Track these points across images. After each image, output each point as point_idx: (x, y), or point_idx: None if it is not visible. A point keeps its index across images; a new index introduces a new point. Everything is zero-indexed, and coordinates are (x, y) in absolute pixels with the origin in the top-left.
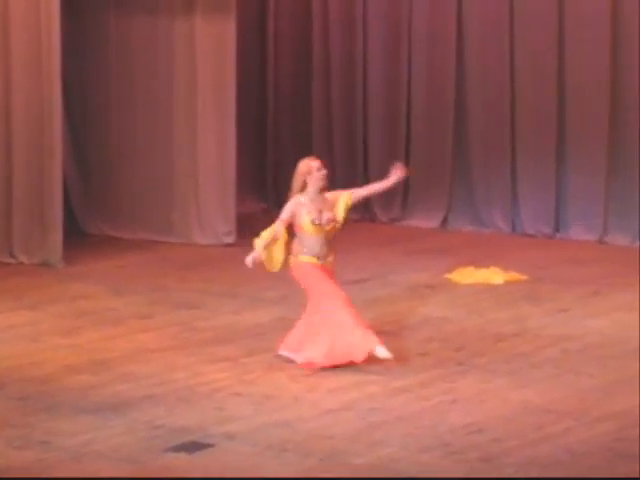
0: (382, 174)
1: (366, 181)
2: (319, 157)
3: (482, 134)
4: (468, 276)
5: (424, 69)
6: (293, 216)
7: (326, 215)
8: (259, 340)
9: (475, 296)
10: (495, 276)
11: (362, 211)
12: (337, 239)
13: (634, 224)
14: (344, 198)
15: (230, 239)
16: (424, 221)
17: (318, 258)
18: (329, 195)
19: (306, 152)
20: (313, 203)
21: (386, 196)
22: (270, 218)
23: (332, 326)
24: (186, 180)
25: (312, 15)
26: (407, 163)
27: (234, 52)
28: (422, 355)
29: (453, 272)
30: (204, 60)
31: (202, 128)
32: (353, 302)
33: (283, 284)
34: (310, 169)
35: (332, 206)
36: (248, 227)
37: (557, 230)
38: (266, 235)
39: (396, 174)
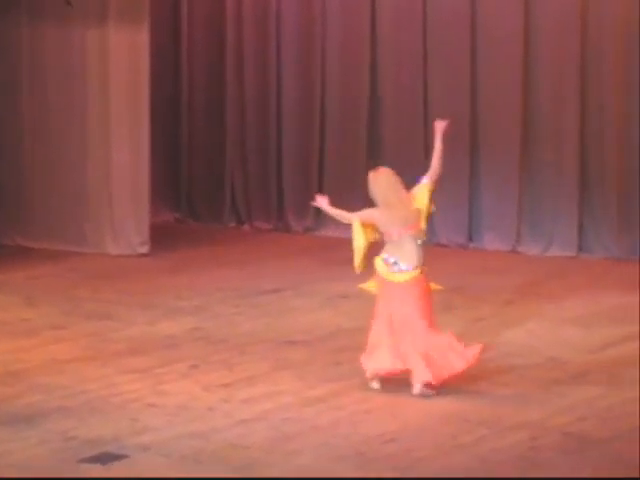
0: (296, 185)
1: (280, 192)
2: (232, 168)
3: (396, 145)
4: None
5: (338, 79)
6: None
7: None
8: (173, 351)
9: None
10: None
11: (276, 221)
12: (250, 250)
13: (546, 233)
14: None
15: (144, 249)
16: (338, 231)
17: None
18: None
19: (219, 163)
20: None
21: (300, 206)
22: (184, 228)
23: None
24: (100, 190)
25: (226, 23)
26: (320, 174)
27: (147, 62)
28: (336, 365)
29: (367, 282)
30: (117, 69)
31: (115, 138)
32: (268, 312)
33: (197, 295)
34: None
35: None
36: (162, 237)
37: (470, 240)
38: None
39: (440, 129)
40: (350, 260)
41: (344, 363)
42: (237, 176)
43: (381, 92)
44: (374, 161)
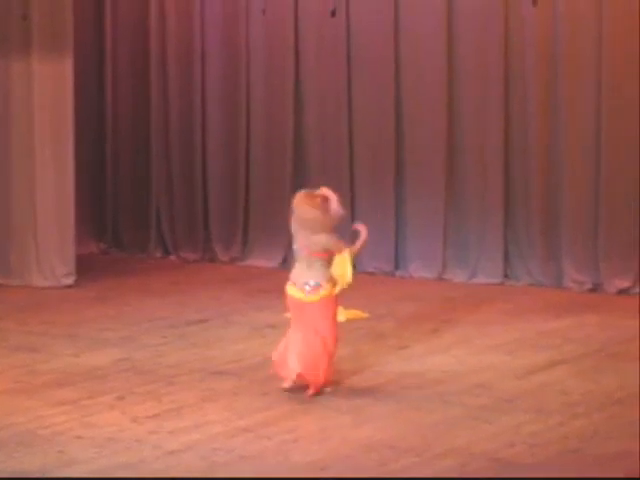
0: (222, 215)
1: (206, 222)
2: (158, 198)
3: (321, 174)
4: None
5: (262, 110)
6: None
7: None
8: (100, 382)
9: None
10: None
11: (202, 251)
12: (177, 280)
13: (471, 261)
14: None
15: (69, 280)
16: (265, 261)
17: None
18: None
19: (145, 193)
20: None
21: (226, 236)
22: (109, 259)
23: None
24: (24, 222)
25: (150, 56)
26: (246, 203)
27: (72, 93)
28: (264, 394)
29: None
30: (41, 101)
31: (40, 169)
32: (196, 343)
33: (123, 325)
34: None
35: None
36: (87, 268)
37: (397, 268)
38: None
39: (363, 237)
40: (277, 290)
41: (272, 393)
42: (163, 206)
43: (305, 121)
44: (300, 189)
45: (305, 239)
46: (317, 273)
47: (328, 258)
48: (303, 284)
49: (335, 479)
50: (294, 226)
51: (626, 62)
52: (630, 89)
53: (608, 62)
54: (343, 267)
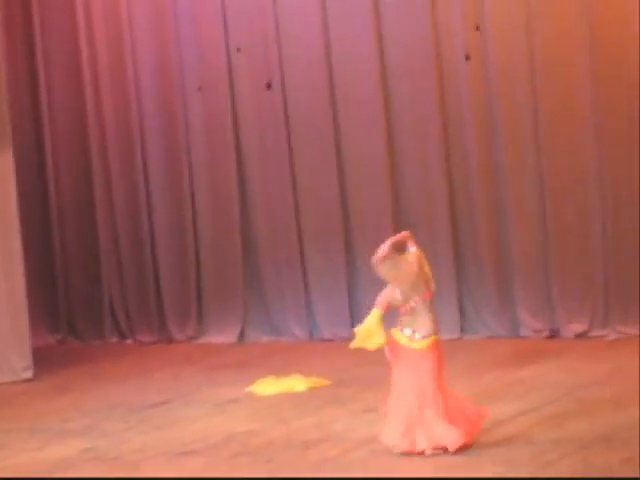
0: (175, 294)
1: (159, 303)
2: (109, 283)
3: (271, 245)
4: (270, 387)
5: (207, 186)
6: None
7: None
8: (65, 474)
9: (279, 406)
10: (297, 384)
11: (158, 332)
12: (135, 363)
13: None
14: None
15: (28, 374)
16: (221, 336)
17: None
18: None
19: (96, 280)
20: None
21: (181, 315)
22: (66, 348)
23: None
24: None
25: (89, 140)
26: (198, 281)
27: (14, 186)
28: (232, 471)
29: (254, 384)
30: None
31: None
32: (159, 425)
33: (85, 414)
34: None
35: None
36: (44, 360)
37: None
38: None
39: None
40: (235, 364)
41: (240, 469)
42: (115, 292)
43: (251, 199)
44: (250, 268)
45: None
46: None
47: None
48: None
49: (336, 479)
50: None
51: (563, 110)
52: (567, 135)
53: (544, 111)
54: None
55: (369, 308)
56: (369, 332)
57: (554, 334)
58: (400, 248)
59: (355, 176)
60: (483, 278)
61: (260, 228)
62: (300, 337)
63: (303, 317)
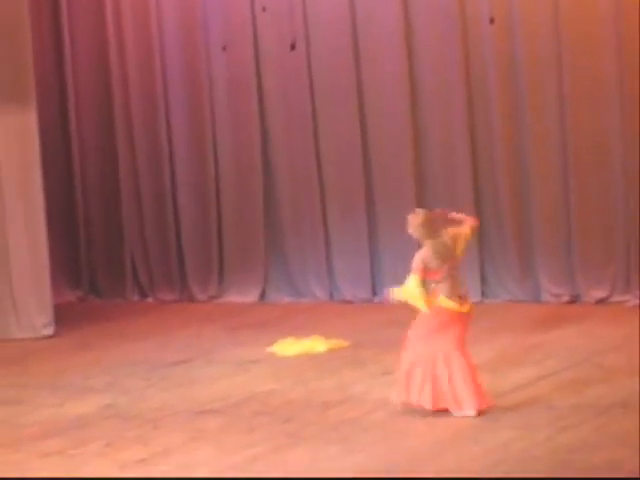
0: (196, 254)
1: (181, 262)
2: (131, 242)
3: (293, 205)
4: (290, 347)
5: (230, 149)
6: None
7: None
8: (86, 430)
9: (299, 367)
10: (317, 345)
11: (179, 291)
12: (156, 322)
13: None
14: None
15: (49, 331)
16: (242, 296)
17: None
18: None
19: (118, 238)
20: None
21: (202, 274)
22: (87, 306)
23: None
24: (0, 275)
25: (113, 101)
26: (220, 241)
27: (38, 145)
28: (250, 430)
29: (275, 345)
30: (7, 151)
31: (11, 220)
32: (180, 383)
33: (106, 372)
34: None
35: None
36: (65, 317)
37: (374, 294)
38: None
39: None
40: (256, 325)
41: (259, 428)
42: (137, 250)
43: (273, 158)
44: (271, 228)
45: None
46: None
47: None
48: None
49: (344, 479)
50: None
51: (587, 72)
52: (591, 100)
53: (568, 74)
54: None
55: (391, 269)
56: (411, 297)
57: (574, 300)
58: (444, 224)
59: (378, 137)
60: (505, 244)
61: (282, 189)
62: (321, 298)
63: (324, 278)
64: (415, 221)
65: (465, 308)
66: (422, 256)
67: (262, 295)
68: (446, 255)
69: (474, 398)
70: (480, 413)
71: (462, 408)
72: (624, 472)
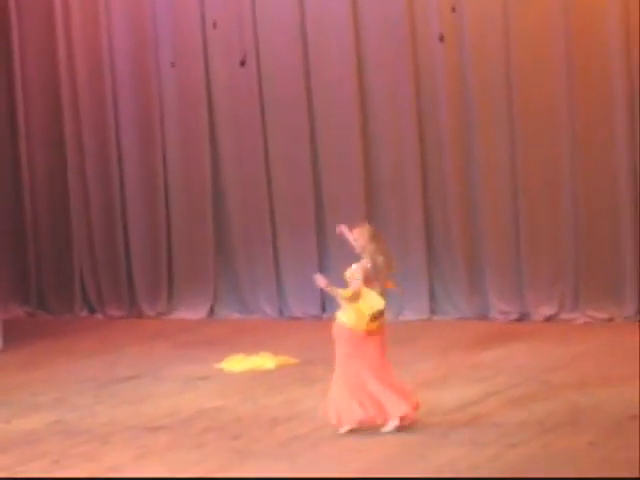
0: (145, 270)
1: (130, 278)
2: (80, 257)
3: (242, 221)
4: (239, 364)
5: (180, 166)
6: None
7: None
8: (34, 447)
9: (248, 383)
10: (266, 361)
11: (128, 307)
12: (105, 338)
13: (397, 299)
14: None
15: None
16: (191, 313)
17: None
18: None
19: (67, 253)
20: None
21: (151, 290)
22: (35, 321)
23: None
24: None
25: (62, 109)
26: (169, 258)
27: None
28: (199, 447)
29: (224, 361)
30: None
31: None
32: (128, 400)
33: (54, 388)
34: None
35: None
36: (14, 333)
37: (324, 311)
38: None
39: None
40: (205, 341)
41: (208, 445)
42: (86, 265)
43: (223, 174)
44: (221, 244)
45: None
46: None
47: None
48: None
49: (344, 479)
50: None
51: (537, 94)
52: (541, 120)
53: (518, 94)
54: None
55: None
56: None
57: (523, 317)
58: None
59: (328, 156)
60: (454, 261)
61: (232, 206)
62: (270, 315)
63: (273, 294)
64: (365, 235)
65: (372, 326)
66: (364, 267)
67: (211, 312)
68: (381, 271)
69: (395, 407)
70: (403, 419)
71: (387, 421)
72: None
